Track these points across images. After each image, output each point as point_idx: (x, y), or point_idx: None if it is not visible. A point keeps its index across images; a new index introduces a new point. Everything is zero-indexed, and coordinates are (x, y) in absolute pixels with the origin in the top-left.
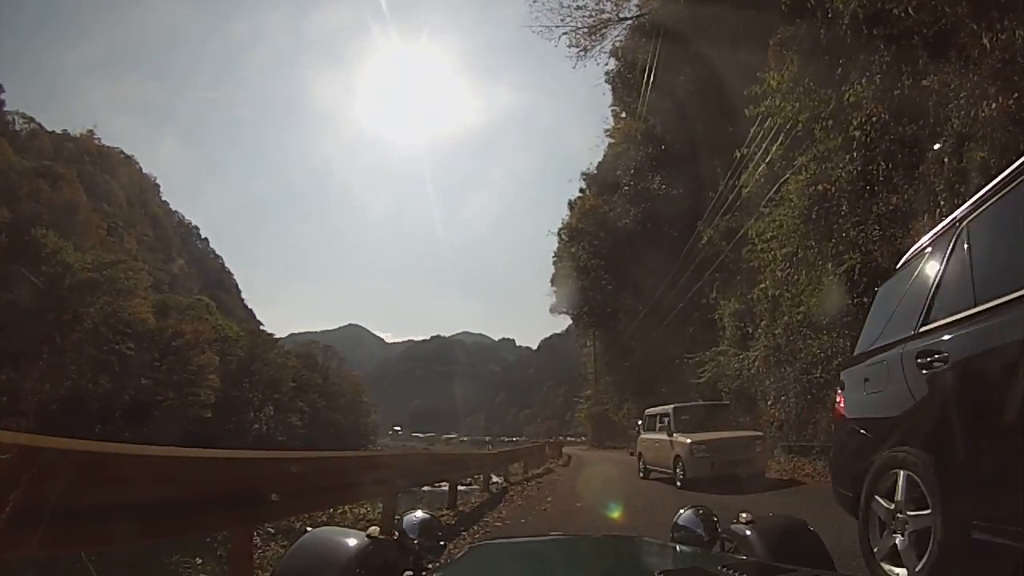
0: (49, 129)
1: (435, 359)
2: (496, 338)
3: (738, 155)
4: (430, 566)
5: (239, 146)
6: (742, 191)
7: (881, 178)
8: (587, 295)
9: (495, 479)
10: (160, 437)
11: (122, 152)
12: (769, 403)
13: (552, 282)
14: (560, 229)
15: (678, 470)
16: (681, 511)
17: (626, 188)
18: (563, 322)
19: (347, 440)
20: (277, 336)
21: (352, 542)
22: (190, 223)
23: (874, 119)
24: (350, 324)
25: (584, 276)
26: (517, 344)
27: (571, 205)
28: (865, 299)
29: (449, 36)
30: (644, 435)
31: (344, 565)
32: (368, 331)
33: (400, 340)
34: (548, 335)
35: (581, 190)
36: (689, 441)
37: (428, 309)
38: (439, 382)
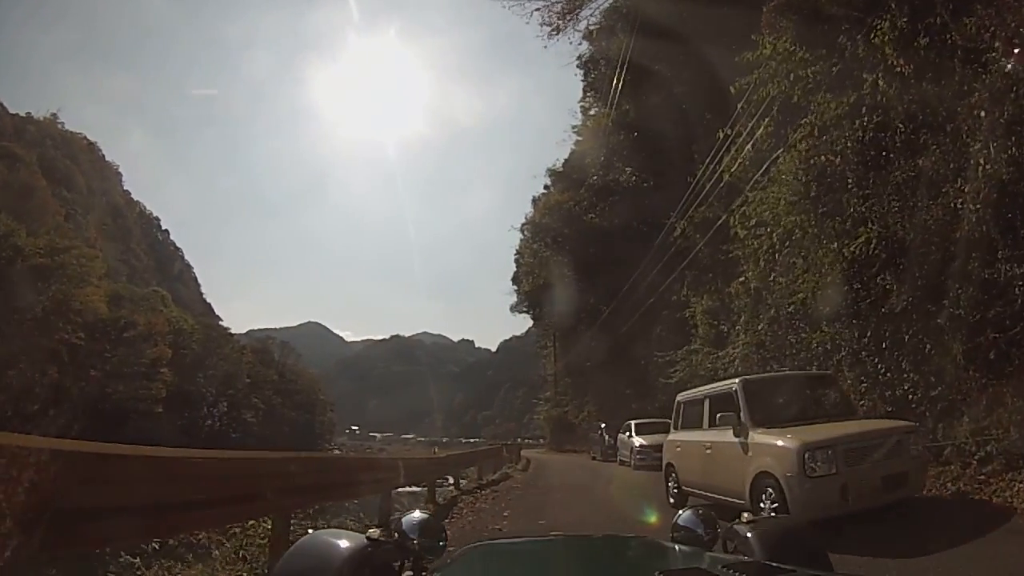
0: (12, 111)
1: (394, 359)
2: (456, 339)
3: (721, 135)
4: (430, 566)
5: (206, 141)
6: (723, 176)
7: (899, 143)
8: (549, 293)
9: (450, 480)
10: (110, 433)
11: (85, 138)
12: None
13: (513, 280)
14: (523, 224)
15: (765, 501)
16: (681, 511)
17: (594, 179)
18: (523, 324)
19: (302, 438)
20: (236, 332)
21: (351, 543)
22: (151, 214)
23: (897, 70)
24: (310, 322)
25: (547, 274)
26: (476, 345)
27: (535, 201)
28: (885, 277)
29: (419, 34)
30: (678, 435)
31: (343, 566)
32: (328, 329)
33: (360, 339)
34: (508, 337)
35: (546, 187)
36: (794, 445)
37: (389, 308)
38: (397, 382)
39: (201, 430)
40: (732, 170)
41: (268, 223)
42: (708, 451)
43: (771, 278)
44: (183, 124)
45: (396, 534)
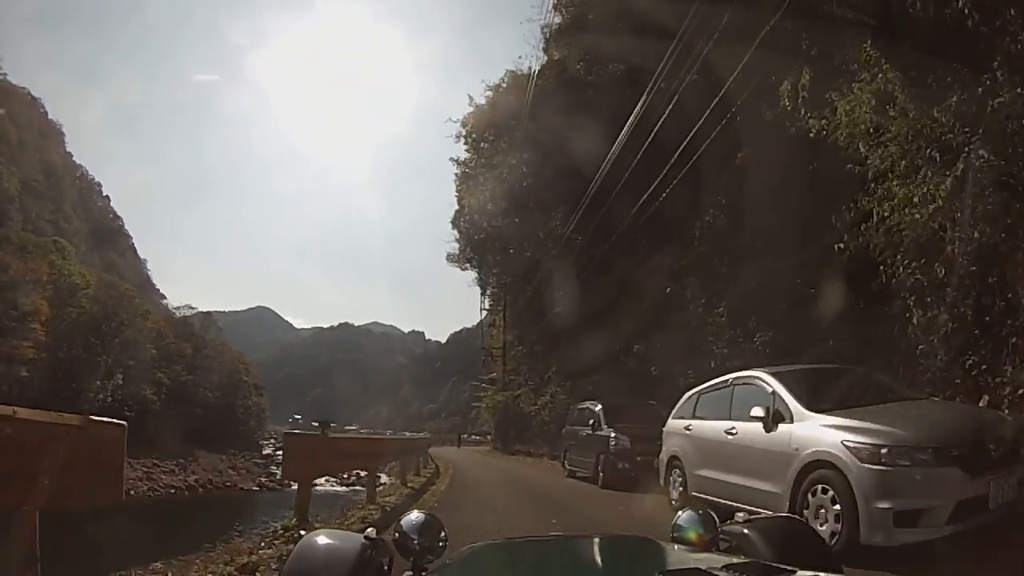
0: None
1: (340, 347)
2: (406, 330)
3: None
4: (429, 566)
5: (173, 122)
6: None
7: None
8: (495, 224)
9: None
10: None
11: (29, 93)
12: None
13: (452, 223)
14: (462, 129)
15: None
16: (680, 512)
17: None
18: (473, 316)
19: (225, 424)
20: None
21: (351, 543)
22: (92, 178)
23: None
24: (260, 306)
25: (493, 201)
26: (427, 337)
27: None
28: None
29: (383, 19)
30: None
31: (346, 567)
32: (277, 314)
33: (309, 326)
34: (458, 329)
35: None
36: None
37: (341, 297)
38: (343, 371)
39: (90, 403)
40: None
41: (225, 207)
42: None
43: None
44: (146, 103)
45: (396, 534)
